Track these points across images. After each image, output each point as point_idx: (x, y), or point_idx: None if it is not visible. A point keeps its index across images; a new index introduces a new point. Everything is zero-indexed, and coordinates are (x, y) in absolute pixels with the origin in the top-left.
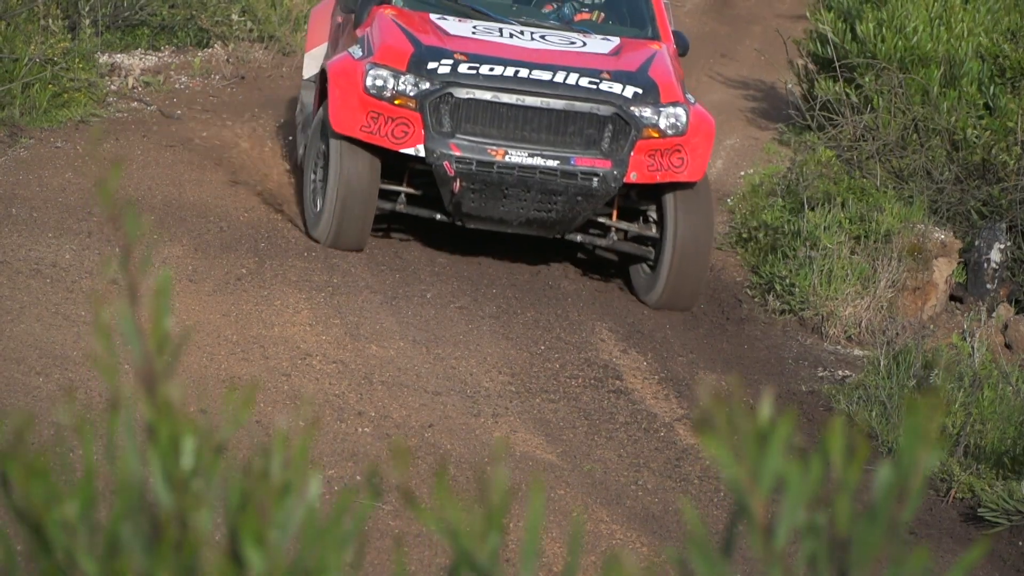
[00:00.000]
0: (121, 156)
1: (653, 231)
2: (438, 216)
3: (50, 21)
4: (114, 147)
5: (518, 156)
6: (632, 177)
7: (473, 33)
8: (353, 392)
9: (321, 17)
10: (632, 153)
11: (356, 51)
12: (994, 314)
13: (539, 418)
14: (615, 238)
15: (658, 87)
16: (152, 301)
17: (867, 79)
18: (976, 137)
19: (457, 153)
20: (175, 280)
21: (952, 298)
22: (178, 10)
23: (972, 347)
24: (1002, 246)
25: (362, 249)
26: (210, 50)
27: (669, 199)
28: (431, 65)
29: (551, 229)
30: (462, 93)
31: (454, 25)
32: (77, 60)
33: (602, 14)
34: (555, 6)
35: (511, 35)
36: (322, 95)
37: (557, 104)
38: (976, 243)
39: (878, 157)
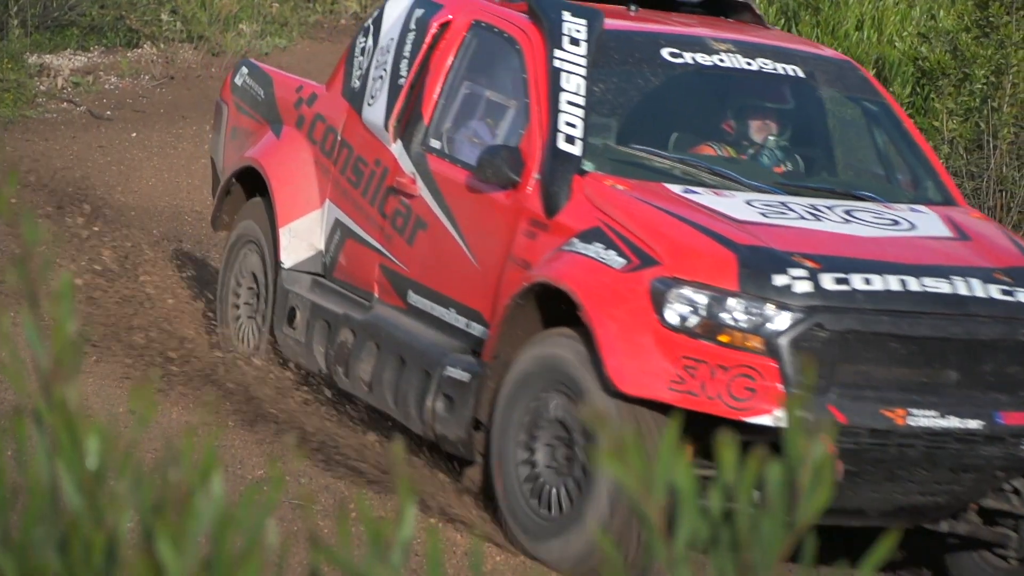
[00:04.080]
0: (14, 163)
1: (1021, 506)
2: None
3: None
4: (43, 147)
5: (925, 417)
6: None
7: (763, 216)
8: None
9: (294, 165)
10: None
11: (607, 254)
12: None
13: None
14: (977, 520)
15: None
16: (55, 304)
17: None
18: None
19: (841, 420)
20: (108, 281)
21: None
22: (107, 10)
23: None
24: None
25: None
26: (140, 50)
27: None
28: (778, 280)
29: (921, 519)
30: (836, 323)
31: (722, 202)
32: (5, 60)
33: (783, 162)
34: (718, 150)
35: (815, 216)
36: (542, 319)
37: (969, 331)
38: None
39: None
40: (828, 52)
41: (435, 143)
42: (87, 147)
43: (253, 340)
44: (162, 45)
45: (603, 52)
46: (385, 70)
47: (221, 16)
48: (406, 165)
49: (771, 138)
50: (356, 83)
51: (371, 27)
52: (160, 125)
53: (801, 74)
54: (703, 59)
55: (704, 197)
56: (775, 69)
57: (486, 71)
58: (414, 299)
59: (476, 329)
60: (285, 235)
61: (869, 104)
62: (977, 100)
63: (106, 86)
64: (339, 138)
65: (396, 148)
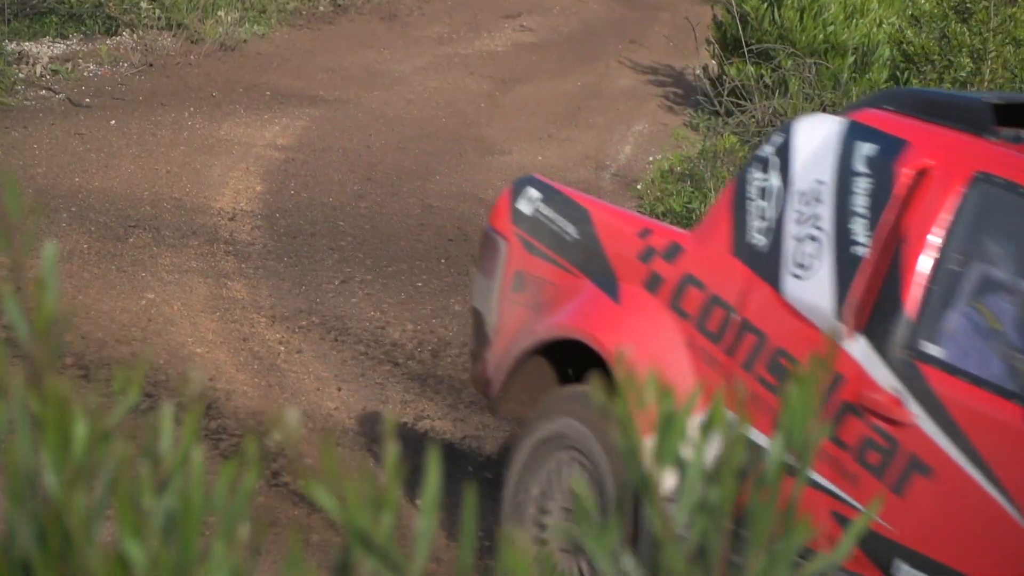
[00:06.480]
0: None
1: None
2: None
3: None
4: (22, 135)
5: None
6: None
7: None
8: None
9: (656, 348)
10: None
11: None
12: None
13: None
14: None
15: None
16: (38, 282)
17: (781, 62)
18: None
19: None
20: (80, 269)
21: None
22: None
23: None
24: None
25: None
26: (119, 38)
27: None
28: None
29: None
30: None
31: None
32: None
33: None
34: None
35: None
36: None
37: None
38: None
39: None
40: None
41: (932, 349)
42: (66, 134)
43: None
44: (141, 33)
45: None
46: (820, 228)
47: (200, 3)
48: (880, 376)
49: None
50: (758, 239)
51: (774, 159)
52: (139, 112)
53: None
54: None
55: None
56: None
57: (1013, 250)
58: (909, 574)
59: None
60: None
61: None
62: (956, 87)
63: (85, 74)
64: (735, 316)
65: (859, 348)
